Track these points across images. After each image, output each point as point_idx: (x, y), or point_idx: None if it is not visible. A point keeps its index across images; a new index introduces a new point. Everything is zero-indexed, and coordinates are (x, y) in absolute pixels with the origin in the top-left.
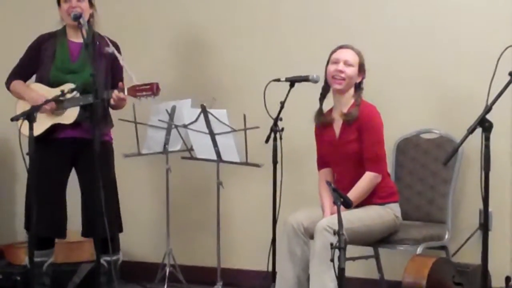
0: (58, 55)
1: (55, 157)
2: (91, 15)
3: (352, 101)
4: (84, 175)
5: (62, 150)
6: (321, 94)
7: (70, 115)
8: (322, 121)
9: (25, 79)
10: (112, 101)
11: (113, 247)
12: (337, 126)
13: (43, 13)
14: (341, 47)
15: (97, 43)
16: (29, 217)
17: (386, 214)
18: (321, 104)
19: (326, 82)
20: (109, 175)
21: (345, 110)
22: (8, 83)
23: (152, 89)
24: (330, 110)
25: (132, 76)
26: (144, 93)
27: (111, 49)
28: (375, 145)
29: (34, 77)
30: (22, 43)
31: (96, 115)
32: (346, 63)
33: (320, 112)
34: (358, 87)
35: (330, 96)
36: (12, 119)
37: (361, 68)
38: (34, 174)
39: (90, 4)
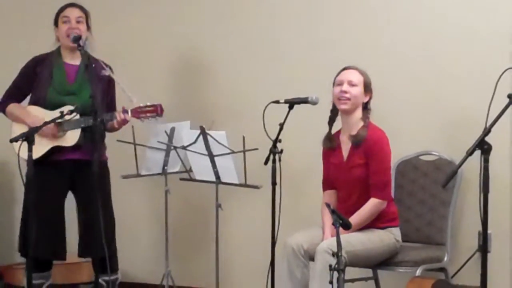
0: (55, 77)
1: (54, 180)
2: (86, 38)
3: (361, 123)
4: (83, 196)
5: (61, 172)
6: (329, 117)
7: (71, 138)
8: (332, 145)
9: (19, 101)
10: (115, 124)
11: (111, 267)
12: (346, 149)
13: (36, 34)
14: (345, 68)
15: (93, 66)
16: (24, 241)
17: (387, 237)
18: (330, 127)
19: (334, 105)
20: (106, 194)
21: (353, 132)
22: (3, 106)
23: (156, 110)
24: (338, 132)
25: (132, 98)
26: (148, 114)
27: (107, 72)
28: (382, 172)
29: (27, 99)
30: (13, 64)
31: (96, 137)
32: (350, 83)
33: (329, 136)
34: (366, 107)
35: (338, 119)
36: (11, 141)
37: (367, 88)
38: (32, 197)
39: (87, 27)
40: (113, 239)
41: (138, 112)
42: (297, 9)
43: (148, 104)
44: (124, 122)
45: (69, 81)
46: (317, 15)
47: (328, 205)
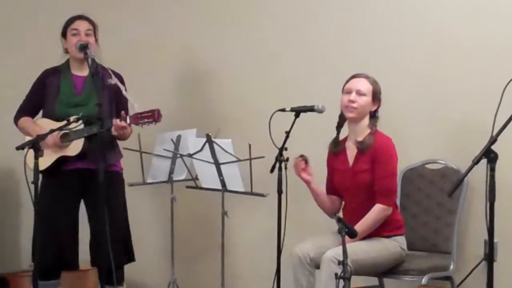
0: (62, 89)
1: (63, 189)
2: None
3: (368, 130)
4: (92, 205)
5: (70, 182)
6: (338, 123)
7: (75, 147)
8: (337, 150)
9: (33, 115)
10: (113, 130)
11: (117, 278)
12: (351, 155)
13: (46, 47)
14: (354, 76)
15: (101, 75)
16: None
17: (392, 246)
18: (338, 133)
19: (342, 111)
20: (119, 205)
21: (359, 139)
22: (16, 120)
23: (153, 116)
24: (345, 139)
25: (134, 105)
26: (145, 120)
27: (113, 80)
28: (387, 178)
29: (41, 112)
30: (26, 77)
31: (102, 145)
32: (358, 93)
33: (336, 141)
34: (373, 116)
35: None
36: (17, 148)
37: (375, 97)
38: (42, 207)
39: (95, 39)
40: (127, 250)
41: (136, 118)
42: (304, 16)
43: (146, 110)
44: (122, 128)
45: (76, 92)
46: (325, 22)
47: (334, 214)
